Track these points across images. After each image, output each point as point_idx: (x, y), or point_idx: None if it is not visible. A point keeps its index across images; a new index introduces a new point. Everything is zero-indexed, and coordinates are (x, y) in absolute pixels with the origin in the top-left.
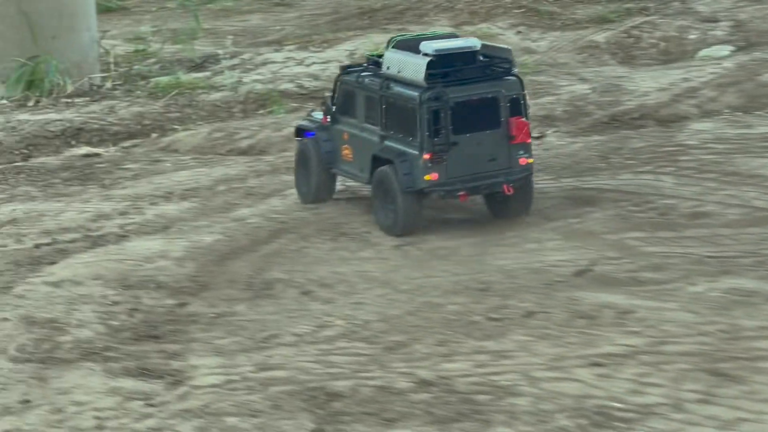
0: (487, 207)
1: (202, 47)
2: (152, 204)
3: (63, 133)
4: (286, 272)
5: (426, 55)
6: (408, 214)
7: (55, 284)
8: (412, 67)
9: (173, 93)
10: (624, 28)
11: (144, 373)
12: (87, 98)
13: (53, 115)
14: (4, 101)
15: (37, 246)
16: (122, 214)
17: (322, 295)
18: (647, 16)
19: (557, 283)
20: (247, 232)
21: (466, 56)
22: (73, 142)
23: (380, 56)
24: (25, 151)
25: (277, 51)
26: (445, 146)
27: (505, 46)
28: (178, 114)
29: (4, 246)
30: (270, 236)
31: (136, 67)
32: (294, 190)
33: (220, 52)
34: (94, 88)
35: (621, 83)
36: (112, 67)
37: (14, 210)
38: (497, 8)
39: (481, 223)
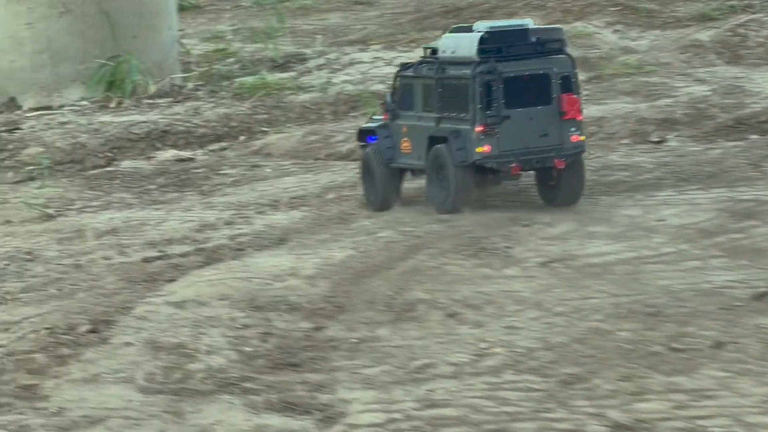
0: (538, 193)
1: (282, 46)
2: (259, 213)
3: (148, 135)
4: (428, 292)
5: (478, 32)
6: (460, 189)
7: (179, 305)
8: (466, 44)
9: (260, 94)
10: (728, 26)
11: (290, 407)
12: (170, 99)
13: (137, 117)
14: (85, 102)
15: (146, 260)
16: (228, 224)
17: (469, 317)
18: (752, 13)
19: (737, 308)
20: (380, 248)
21: (518, 34)
22: (159, 145)
23: (434, 50)
24: (109, 154)
25: (362, 51)
26: (497, 119)
27: (557, 26)
28: (265, 116)
29: (108, 258)
30: (406, 252)
31: (216, 66)
32: (417, 199)
33: (308, 51)
34: (175, 88)
35: (741, 84)
36: (193, 67)
37: (112, 219)
38: (591, 6)
39: (628, 236)
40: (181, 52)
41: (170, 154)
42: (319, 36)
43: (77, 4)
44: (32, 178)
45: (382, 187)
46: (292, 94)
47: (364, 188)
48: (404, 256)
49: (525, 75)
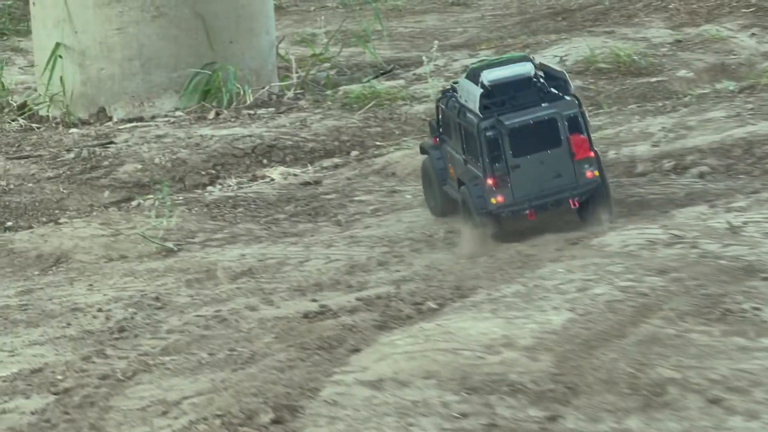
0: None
1: (380, 51)
2: (414, 251)
3: (253, 150)
4: (676, 369)
5: (482, 85)
6: (479, 232)
7: (375, 385)
8: (472, 97)
9: (370, 105)
10: None
11: None
12: (271, 110)
13: (239, 130)
14: (180, 113)
15: (308, 317)
16: (382, 264)
17: (737, 404)
18: None
19: None
20: (603, 309)
21: (521, 83)
22: (265, 161)
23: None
24: (212, 171)
25: (472, 56)
26: (505, 171)
27: (559, 69)
28: (378, 128)
29: (254, 308)
30: (635, 315)
31: (312, 73)
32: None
33: (417, 57)
34: (273, 97)
35: None
36: (294, 74)
37: (243, 255)
38: (721, 7)
39: None
40: (278, 58)
41: (278, 171)
42: (436, 42)
43: (170, 7)
44: (130, 198)
45: (440, 199)
46: (405, 104)
47: (424, 194)
48: (634, 320)
49: (531, 123)
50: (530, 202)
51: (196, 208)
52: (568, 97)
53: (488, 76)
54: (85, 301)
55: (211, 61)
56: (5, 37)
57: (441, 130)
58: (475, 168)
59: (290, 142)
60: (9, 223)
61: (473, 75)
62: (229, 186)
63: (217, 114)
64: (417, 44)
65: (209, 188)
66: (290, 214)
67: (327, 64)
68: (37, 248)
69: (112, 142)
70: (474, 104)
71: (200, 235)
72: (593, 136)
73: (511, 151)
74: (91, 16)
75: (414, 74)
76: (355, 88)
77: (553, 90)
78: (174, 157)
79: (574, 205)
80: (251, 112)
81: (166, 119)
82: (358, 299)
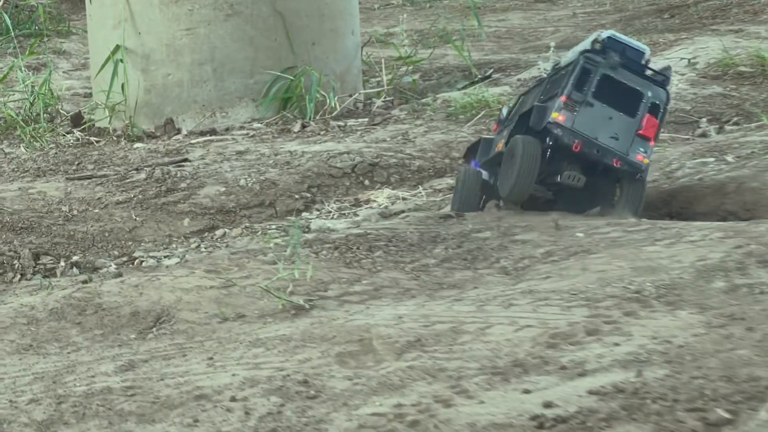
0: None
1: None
2: (627, 314)
3: (353, 170)
4: None
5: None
6: (525, 165)
7: None
8: (582, 45)
9: (479, 115)
10: None
11: None
12: (363, 120)
13: (332, 145)
14: (258, 124)
15: (541, 426)
16: (592, 333)
17: None
18: None
19: None
20: None
21: (634, 52)
22: (367, 182)
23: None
24: (307, 194)
25: None
26: (581, 98)
27: (669, 66)
28: None
29: (449, 403)
30: None
31: (398, 78)
32: None
33: (540, 61)
34: (359, 106)
35: None
36: (384, 80)
37: (400, 317)
38: None
39: None
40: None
41: (385, 195)
42: (552, 44)
43: (247, 5)
44: (214, 227)
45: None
46: None
47: (460, 199)
48: None
49: (622, 83)
50: (581, 139)
51: (323, 252)
52: (663, 89)
53: (609, 33)
54: (210, 383)
55: (292, 65)
56: (45, 39)
57: (506, 118)
58: (545, 103)
59: (394, 160)
60: (75, 257)
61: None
62: (329, 212)
63: (303, 126)
64: (505, 45)
65: (304, 214)
66: (441, 259)
67: (408, 68)
68: (131, 302)
69: (186, 160)
70: (584, 45)
71: (334, 286)
72: None
73: (594, 89)
74: (157, 15)
75: (519, 80)
76: (456, 95)
77: (655, 77)
78: (262, 177)
79: (616, 164)
80: (341, 123)
81: (244, 132)
82: (590, 392)
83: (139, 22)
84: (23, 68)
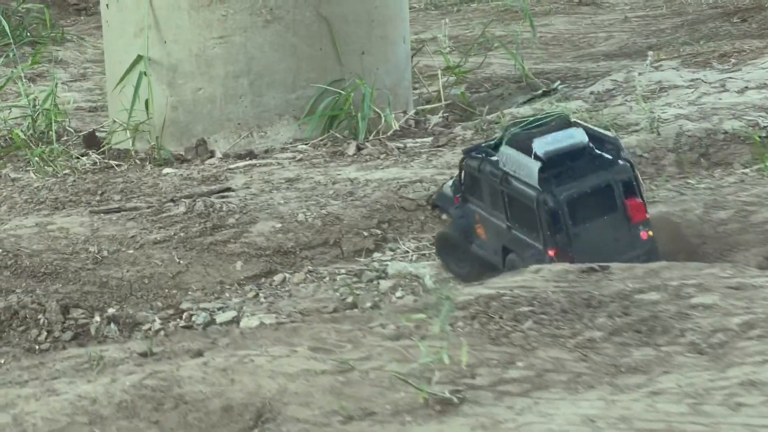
0: None
1: (508, 61)
2: None
3: (428, 202)
4: None
5: (537, 157)
6: None
7: None
8: (526, 170)
9: None
10: None
11: None
12: (425, 141)
13: (396, 171)
14: (304, 146)
15: None
16: None
17: None
18: None
19: None
20: None
21: (576, 153)
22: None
23: (496, 146)
24: (377, 231)
25: (658, 69)
26: (567, 240)
27: (611, 134)
28: None
29: None
30: None
31: (447, 90)
32: None
33: (636, 72)
34: (410, 123)
35: None
36: (440, 93)
37: (594, 421)
38: None
39: None
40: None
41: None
42: (650, 53)
43: (288, 9)
44: (272, 270)
45: (472, 261)
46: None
47: (443, 260)
48: None
49: (588, 192)
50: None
51: (458, 322)
52: (621, 162)
53: (542, 147)
54: None
55: (338, 77)
56: (38, 47)
57: (464, 189)
58: (527, 237)
59: None
60: (111, 310)
61: (518, 142)
62: (406, 252)
63: (359, 148)
64: (555, 53)
65: (376, 255)
66: (608, 331)
67: (452, 79)
68: (221, 393)
69: (229, 189)
70: (530, 177)
71: (483, 371)
72: None
73: (570, 221)
74: (185, 22)
75: (592, 93)
76: (526, 111)
77: (605, 155)
78: (323, 211)
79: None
80: (399, 144)
81: (289, 155)
82: None
83: (164, 30)
84: (23, 79)
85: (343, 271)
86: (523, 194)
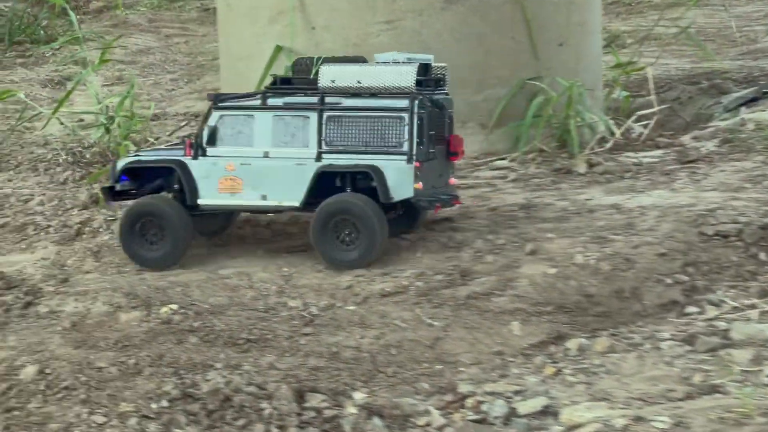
0: None
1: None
2: None
3: (738, 236)
4: None
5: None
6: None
7: None
8: (391, 75)
9: None
10: None
11: None
12: (654, 153)
13: (665, 194)
14: (502, 161)
15: None
16: None
17: None
18: None
19: None
20: None
21: (427, 68)
22: (763, 256)
23: (284, 78)
24: (684, 277)
25: None
26: (429, 155)
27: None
28: None
29: None
30: None
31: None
32: None
33: None
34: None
35: None
36: (653, 98)
37: None
38: None
39: None
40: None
41: None
42: None
43: None
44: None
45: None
46: None
47: (126, 243)
48: None
49: (437, 110)
50: (431, 196)
51: None
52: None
53: (396, 56)
54: None
55: (533, 74)
56: (24, 47)
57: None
58: (380, 159)
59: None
60: (360, 395)
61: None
62: (735, 308)
63: (591, 165)
64: (721, 51)
65: (690, 309)
66: None
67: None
68: None
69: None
70: (400, 81)
71: None
72: None
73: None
74: (342, 2)
75: None
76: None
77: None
78: (606, 250)
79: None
80: (633, 159)
81: (496, 173)
82: None
83: (313, 13)
84: (94, 82)
85: (665, 334)
86: (388, 107)
